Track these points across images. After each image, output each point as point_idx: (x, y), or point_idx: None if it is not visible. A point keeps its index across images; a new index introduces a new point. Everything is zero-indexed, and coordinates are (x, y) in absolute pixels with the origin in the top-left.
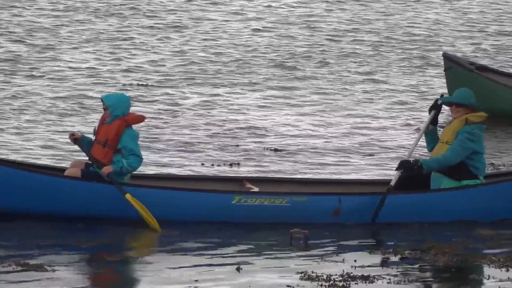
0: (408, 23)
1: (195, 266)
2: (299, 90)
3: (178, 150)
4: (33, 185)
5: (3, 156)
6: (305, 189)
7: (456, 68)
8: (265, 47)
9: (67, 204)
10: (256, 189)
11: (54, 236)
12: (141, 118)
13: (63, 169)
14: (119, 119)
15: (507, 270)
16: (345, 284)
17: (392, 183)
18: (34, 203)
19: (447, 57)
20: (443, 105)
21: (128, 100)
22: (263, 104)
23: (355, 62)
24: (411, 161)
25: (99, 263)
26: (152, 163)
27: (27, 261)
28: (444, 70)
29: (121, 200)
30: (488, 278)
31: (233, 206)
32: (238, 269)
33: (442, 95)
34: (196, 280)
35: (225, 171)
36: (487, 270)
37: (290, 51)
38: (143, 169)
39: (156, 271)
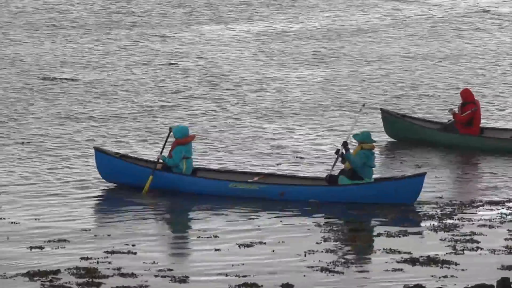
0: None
1: (245, 219)
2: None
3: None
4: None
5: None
6: (279, 181)
7: (388, 117)
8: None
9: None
10: (256, 179)
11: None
12: (185, 140)
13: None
14: (177, 139)
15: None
16: (335, 227)
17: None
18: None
19: (382, 110)
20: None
21: (183, 130)
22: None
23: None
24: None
25: (157, 230)
26: (221, 160)
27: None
28: (381, 118)
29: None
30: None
31: (229, 188)
32: (281, 221)
33: (337, 150)
34: (259, 226)
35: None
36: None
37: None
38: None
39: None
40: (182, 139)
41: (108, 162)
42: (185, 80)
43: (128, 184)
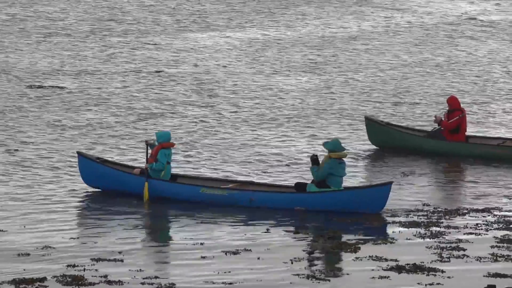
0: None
1: (233, 228)
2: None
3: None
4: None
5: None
6: (254, 189)
7: (373, 124)
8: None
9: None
10: (230, 186)
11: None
12: (169, 145)
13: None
14: (159, 144)
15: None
16: (321, 235)
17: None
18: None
19: (366, 117)
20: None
21: (165, 135)
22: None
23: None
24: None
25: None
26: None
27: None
28: (365, 126)
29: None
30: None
31: (200, 193)
32: (267, 230)
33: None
34: (244, 234)
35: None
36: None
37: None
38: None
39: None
40: (165, 143)
41: (89, 167)
42: (174, 88)
43: (108, 189)
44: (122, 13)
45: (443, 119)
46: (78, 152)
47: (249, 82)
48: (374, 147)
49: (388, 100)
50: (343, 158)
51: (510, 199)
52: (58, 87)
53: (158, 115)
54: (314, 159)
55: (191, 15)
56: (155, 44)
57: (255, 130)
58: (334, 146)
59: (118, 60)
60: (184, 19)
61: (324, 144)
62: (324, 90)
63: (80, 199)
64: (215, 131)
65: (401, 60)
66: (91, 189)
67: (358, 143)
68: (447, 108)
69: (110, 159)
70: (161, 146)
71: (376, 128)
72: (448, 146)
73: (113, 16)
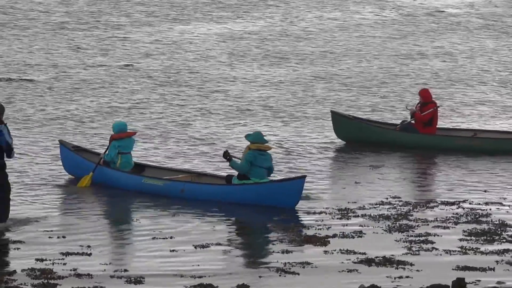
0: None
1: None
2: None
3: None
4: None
5: None
6: (211, 181)
7: (339, 118)
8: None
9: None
10: (181, 177)
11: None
12: (119, 136)
13: None
14: (112, 135)
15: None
16: (290, 229)
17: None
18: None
19: (333, 112)
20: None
21: (120, 125)
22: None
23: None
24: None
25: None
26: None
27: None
28: (331, 120)
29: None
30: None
31: (142, 183)
32: (236, 222)
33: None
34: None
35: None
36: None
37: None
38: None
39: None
40: (116, 135)
41: (66, 155)
42: (144, 81)
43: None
44: (90, 5)
45: (415, 111)
46: (60, 141)
47: (222, 74)
48: (340, 141)
49: (359, 93)
50: (267, 151)
51: (480, 192)
52: (24, 79)
53: (130, 108)
54: (225, 153)
55: (164, 7)
56: (126, 37)
57: (223, 123)
58: (254, 138)
59: (90, 53)
60: (155, 12)
61: (246, 136)
62: (295, 83)
63: (47, 192)
64: (187, 123)
65: (376, 53)
66: (62, 181)
67: (324, 137)
68: (419, 101)
69: (89, 148)
70: (112, 138)
71: (343, 122)
72: (421, 139)
73: (88, 8)
